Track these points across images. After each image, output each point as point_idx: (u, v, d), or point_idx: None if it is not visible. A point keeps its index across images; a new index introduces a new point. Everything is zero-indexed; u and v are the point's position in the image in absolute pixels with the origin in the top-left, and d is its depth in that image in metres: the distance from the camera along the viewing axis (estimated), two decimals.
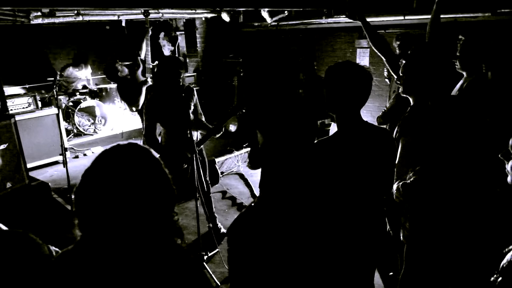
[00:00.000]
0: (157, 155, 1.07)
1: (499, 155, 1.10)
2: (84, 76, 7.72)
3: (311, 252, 1.16)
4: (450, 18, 4.77)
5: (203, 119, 3.71)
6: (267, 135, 1.21)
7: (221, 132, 3.41)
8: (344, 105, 1.86)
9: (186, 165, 3.32)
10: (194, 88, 3.62)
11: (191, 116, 3.46)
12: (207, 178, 3.85)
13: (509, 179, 1.09)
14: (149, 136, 3.42)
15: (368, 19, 3.27)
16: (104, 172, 0.99)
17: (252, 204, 1.25)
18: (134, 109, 5.15)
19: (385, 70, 4.79)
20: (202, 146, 3.64)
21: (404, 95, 2.31)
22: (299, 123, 1.20)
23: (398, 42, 4.48)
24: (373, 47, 3.07)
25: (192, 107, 3.52)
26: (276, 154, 1.21)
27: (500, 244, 1.03)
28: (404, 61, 2.28)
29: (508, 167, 1.09)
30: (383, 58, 3.01)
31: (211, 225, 3.89)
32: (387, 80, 4.83)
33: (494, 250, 1.00)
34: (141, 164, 1.01)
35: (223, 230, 3.99)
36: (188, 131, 3.06)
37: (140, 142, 1.10)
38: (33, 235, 1.32)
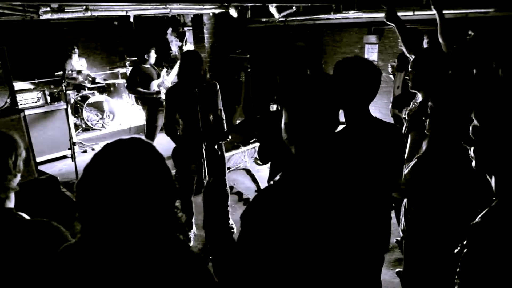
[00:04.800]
0: (159, 150, 1.06)
1: (462, 142, 1.14)
2: (79, 67, 7.70)
3: (320, 243, 1.17)
4: (462, 14, 4.71)
5: (223, 115, 3.72)
6: (294, 113, 1.21)
7: (228, 140, 3.58)
8: (352, 100, 1.85)
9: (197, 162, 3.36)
10: (217, 83, 3.63)
11: (210, 111, 3.53)
12: (225, 171, 3.86)
13: (473, 163, 1.12)
14: (168, 126, 3.52)
15: (377, 15, 3.28)
16: (106, 166, 0.98)
17: (271, 185, 1.25)
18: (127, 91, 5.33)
19: (389, 66, 4.76)
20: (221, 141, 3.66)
21: (413, 91, 2.29)
22: (326, 107, 1.21)
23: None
24: (406, 52, 3.13)
25: (213, 103, 3.56)
26: (300, 135, 1.21)
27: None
28: (413, 57, 2.26)
29: (471, 152, 1.11)
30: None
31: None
32: (391, 76, 4.81)
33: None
34: (142, 159, 1.00)
35: (231, 223, 4.00)
36: (202, 127, 3.10)
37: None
38: (56, 223, 1.34)
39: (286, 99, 1.23)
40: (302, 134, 1.20)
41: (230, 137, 3.54)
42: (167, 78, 5.67)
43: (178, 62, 5.62)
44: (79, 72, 7.49)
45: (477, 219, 1.03)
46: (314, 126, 1.19)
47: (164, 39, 8.63)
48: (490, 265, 0.95)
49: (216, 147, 3.56)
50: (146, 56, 5.38)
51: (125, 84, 6.38)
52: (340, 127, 1.91)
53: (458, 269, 1.04)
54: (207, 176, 3.39)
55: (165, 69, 5.87)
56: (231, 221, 4.01)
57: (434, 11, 3.12)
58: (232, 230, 3.97)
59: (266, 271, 1.18)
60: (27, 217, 1.40)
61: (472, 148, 1.11)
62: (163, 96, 5.20)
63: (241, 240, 1.21)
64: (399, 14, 5.25)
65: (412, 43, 3.11)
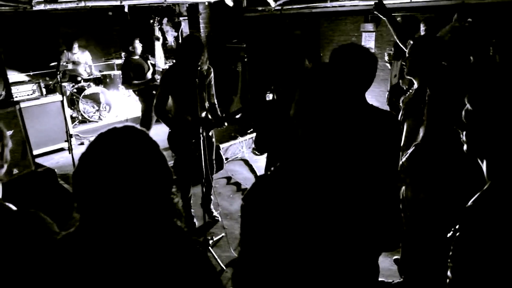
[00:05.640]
0: (153, 138, 1.07)
1: (454, 127, 1.15)
2: (83, 60, 7.65)
3: (318, 230, 1.18)
4: (458, 0, 4.68)
5: (215, 101, 3.72)
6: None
7: (224, 126, 3.53)
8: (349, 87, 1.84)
9: (194, 142, 3.34)
10: (211, 68, 3.62)
11: (204, 96, 3.52)
12: (213, 159, 3.87)
13: (464, 148, 1.13)
14: (159, 108, 3.46)
15: (373, 2, 3.26)
16: (101, 154, 0.98)
17: (269, 172, 1.25)
18: (124, 87, 5.35)
19: (386, 55, 4.75)
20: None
21: (409, 77, 2.29)
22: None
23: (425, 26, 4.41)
24: (400, 44, 3.14)
25: (208, 88, 3.57)
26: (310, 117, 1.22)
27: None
28: (411, 43, 2.25)
29: (463, 137, 1.12)
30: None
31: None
32: (387, 64, 4.79)
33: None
34: (137, 146, 1.00)
35: (215, 213, 4.04)
36: (198, 114, 3.08)
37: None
38: (43, 214, 1.34)
39: (303, 78, 1.23)
40: (314, 113, 1.20)
41: (226, 124, 3.52)
42: (156, 52, 5.62)
43: (155, 36, 5.60)
44: (75, 63, 7.44)
45: (469, 203, 1.04)
46: (327, 106, 1.19)
47: (159, 29, 8.56)
48: (481, 248, 0.96)
49: (210, 133, 3.58)
50: (131, 48, 5.32)
51: (121, 79, 6.33)
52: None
53: (450, 253, 1.05)
54: (211, 166, 3.40)
55: (151, 58, 5.81)
56: (215, 213, 4.04)
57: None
58: (216, 218, 4.00)
59: (268, 259, 1.19)
60: (14, 207, 1.40)
61: (464, 132, 1.11)
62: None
63: (243, 229, 1.22)
64: (396, 1, 5.24)
65: (404, 34, 3.11)
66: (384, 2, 5.32)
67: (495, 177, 1.05)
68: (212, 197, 4.04)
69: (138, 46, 5.38)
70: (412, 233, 2.22)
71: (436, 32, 3.97)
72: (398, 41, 3.19)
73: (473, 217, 1.01)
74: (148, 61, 5.52)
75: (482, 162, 1.10)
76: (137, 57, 5.39)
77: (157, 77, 5.30)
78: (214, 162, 3.87)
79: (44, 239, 1.13)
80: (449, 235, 1.11)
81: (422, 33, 4.31)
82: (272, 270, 1.22)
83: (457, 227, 1.05)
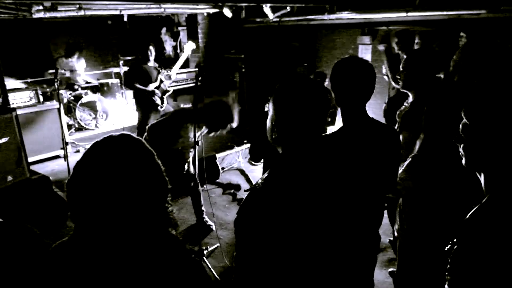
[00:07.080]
0: (150, 147, 1.06)
1: (453, 140, 1.16)
2: (78, 68, 7.62)
3: (313, 242, 1.17)
4: (454, 15, 4.75)
5: None
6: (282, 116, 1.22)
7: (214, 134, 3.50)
8: (349, 99, 1.86)
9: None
10: None
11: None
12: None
13: (463, 161, 1.13)
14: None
15: (370, 16, 3.30)
16: (96, 163, 0.98)
17: (258, 186, 1.25)
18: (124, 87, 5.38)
19: (383, 67, 4.78)
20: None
21: (404, 91, 2.31)
22: (317, 110, 1.22)
23: (397, 39, 4.49)
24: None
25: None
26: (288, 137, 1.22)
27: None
28: (405, 57, 2.28)
29: (461, 150, 1.13)
30: None
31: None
32: (385, 77, 4.83)
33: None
34: (133, 155, 1.00)
35: (209, 222, 4.01)
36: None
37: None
38: (31, 226, 1.33)
39: (274, 100, 1.25)
40: (288, 135, 1.20)
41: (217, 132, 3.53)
42: (172, 71, 5.62)
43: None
44: (72, 71, 7.44)
45: (467, 216, 1.04)
46: (300, 127, 1.20)
47: (158, 39, 8.61)
48: (480, 262, 0.96)
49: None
50: (149, 53, 5.25)
51: (122, 81, 6.18)
52: (338, 127, 1.93)
53: (448, 266, 1.05)
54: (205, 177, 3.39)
55: (164, 71, 5.78)
56: (209, 221, 4.01)
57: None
58: (211, 227, 3.97)
59: (263, 273, 1.18)
60: (0, 219, 1.38)
61: (462, 145, 1.12)
62: (157, 101, 5.21)
63: (238, 245, 1.22)
64: (393, 15, 5.31)
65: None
66: (382, 15, 5.42)
67: (493, 190, 1.05)
68: (204, 207, 4.01)
69: (153, 52, 5.33)
70: (409, 245, 2.21)
71: (431, 45, 4.01)
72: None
73: (471, 230, 1.01)
74: (159, 75, 5.46)
75: (480, 175, 1.10)
76: (151, 65, 5.33)
77: (158, 93, 5.29)
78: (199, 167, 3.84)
79: (33, 250, 1.11)
80: (447, 248, 1.11)
81: (417, 46, 4.35)
82: (268, 283, 1.21)
83: (455, 240, 1.05)
